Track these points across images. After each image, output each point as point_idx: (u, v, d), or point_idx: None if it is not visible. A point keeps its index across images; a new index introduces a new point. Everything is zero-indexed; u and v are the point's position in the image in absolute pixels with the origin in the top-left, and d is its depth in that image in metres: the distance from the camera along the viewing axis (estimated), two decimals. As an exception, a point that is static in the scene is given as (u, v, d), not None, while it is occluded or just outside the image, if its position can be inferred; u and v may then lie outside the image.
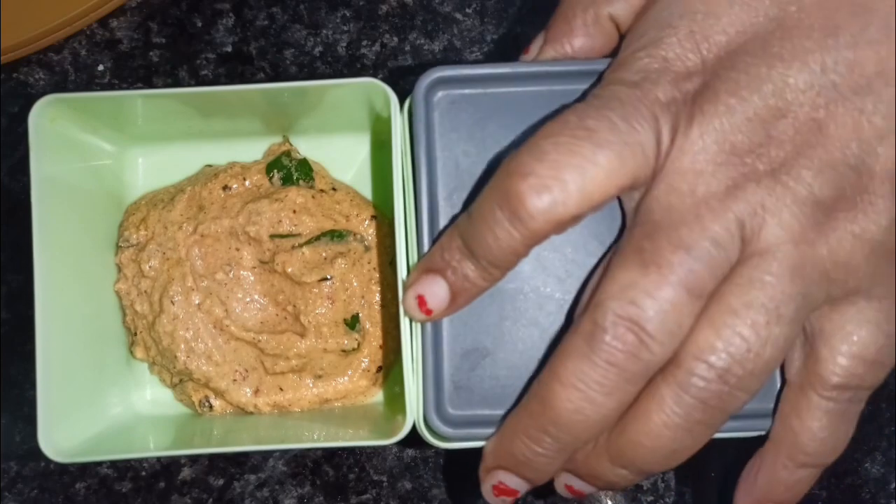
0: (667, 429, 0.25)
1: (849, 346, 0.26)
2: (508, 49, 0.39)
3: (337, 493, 0.38)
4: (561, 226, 0.25)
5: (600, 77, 0.28)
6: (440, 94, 0.29)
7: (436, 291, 0.27)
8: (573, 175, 0.24)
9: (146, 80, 0.39)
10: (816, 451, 0.27)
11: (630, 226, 0.26)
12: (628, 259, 0.25)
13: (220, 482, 0.38)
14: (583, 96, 0.28)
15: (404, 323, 0.29)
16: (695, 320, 0.25)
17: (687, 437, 0.25)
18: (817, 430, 0.26)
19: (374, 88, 0.31)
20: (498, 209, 0.25)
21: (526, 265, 0.29)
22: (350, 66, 0.39)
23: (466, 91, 0.29)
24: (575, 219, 0.25)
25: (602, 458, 0.26)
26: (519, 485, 0.27)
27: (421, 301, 0.27)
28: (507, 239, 0.25)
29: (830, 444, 0.27)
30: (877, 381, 0.26)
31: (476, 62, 0.38)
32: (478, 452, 0.28)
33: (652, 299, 0.24)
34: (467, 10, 0.39)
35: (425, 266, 0.28)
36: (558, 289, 0.29)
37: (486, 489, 0.28)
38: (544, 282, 0.29)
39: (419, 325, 0.29)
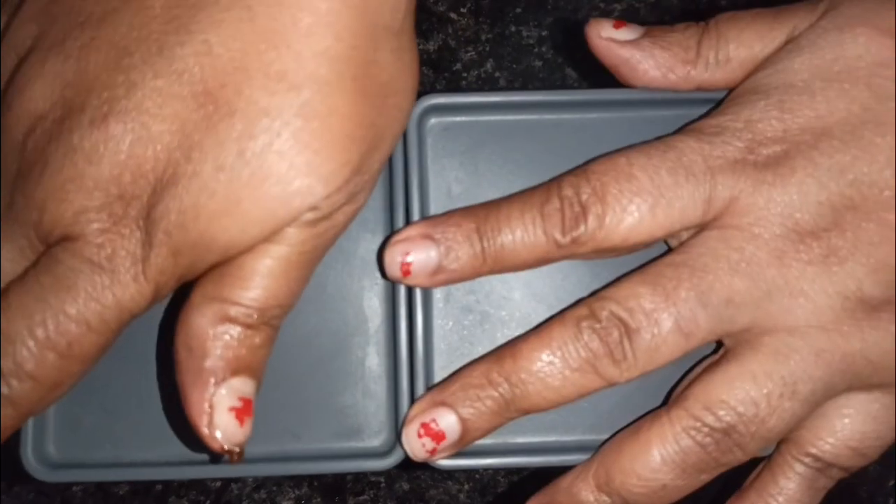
0: (664, 464, 0.26)
1: (841, 429, 0.26)
2: (503, 49, 0.39)
3: (334, 493, 0.38)
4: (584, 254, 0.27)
5: (588, 107, 0.29)
6: (433, 120, 0.29)
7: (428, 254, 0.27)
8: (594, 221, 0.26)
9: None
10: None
11: (672, 248, 0.27)
12: (648, 275, 0.26)
13: (218, 484, 0.38)
14: (578, 126, 0.29)
15: (400, 349, 0.29)
16: (676, 357, 0.26)
17: (679, 478, 0.26)
18: (783, 484, 0.27)
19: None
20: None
21: (516, 293, 0.29)
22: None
23: (459, 118, 0.29)
24: (596, 253, 0.27)
25: (588, 483, 0.27)
26: (451, 426, 0.27)
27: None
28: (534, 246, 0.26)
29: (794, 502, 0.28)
30: (853, 467, 0.27)
31: (470, 62, 0.38)
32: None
33: (647, 318, 0.25)
34: (462, 10, 0.39)
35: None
36: (548, 316, 0.29)
37: (412, 430, 0.27)
38: (535, 309, 0.29)
39: (409, 352, 0.29)
